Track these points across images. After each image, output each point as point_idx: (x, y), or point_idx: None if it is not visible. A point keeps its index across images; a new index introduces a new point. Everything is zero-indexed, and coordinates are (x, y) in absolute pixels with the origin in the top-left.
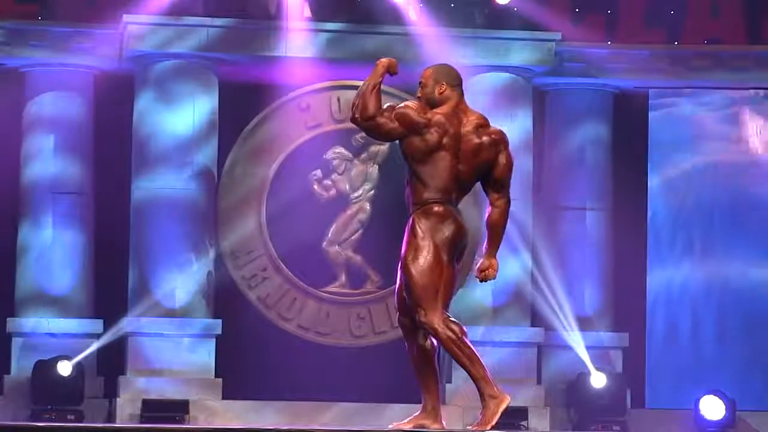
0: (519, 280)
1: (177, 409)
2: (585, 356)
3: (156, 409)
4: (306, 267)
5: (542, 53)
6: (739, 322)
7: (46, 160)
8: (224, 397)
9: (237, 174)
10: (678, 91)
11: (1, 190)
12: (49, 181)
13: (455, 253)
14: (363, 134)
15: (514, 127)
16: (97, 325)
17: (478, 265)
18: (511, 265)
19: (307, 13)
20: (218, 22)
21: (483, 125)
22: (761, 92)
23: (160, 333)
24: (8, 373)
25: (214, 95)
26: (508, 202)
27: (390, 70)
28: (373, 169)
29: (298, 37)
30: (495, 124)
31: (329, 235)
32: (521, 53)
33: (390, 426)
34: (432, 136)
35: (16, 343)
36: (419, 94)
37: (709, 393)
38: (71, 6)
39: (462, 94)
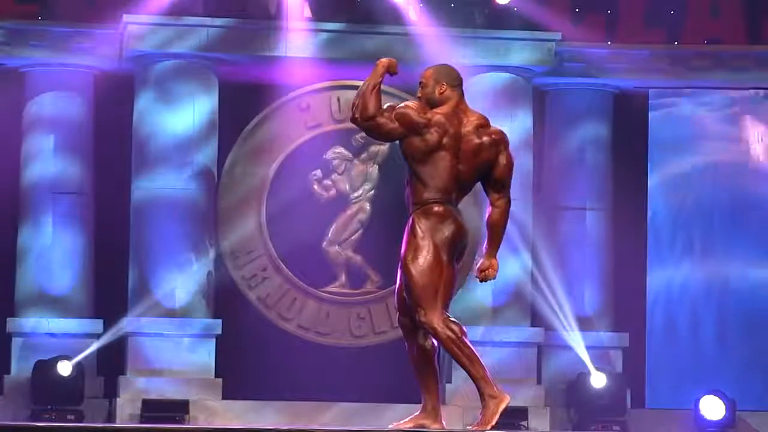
0: (519, 280)
1: (177, 409)
2: (585, 356)
3: (156, 409)
4: (306, 267)
5: (542, 53)
6: (739, 322)
7: (46, 160)
8: (224, 397)
9: (237, 174)
10: (678, 91)
11: (1, 190)
12: (49, 181)
13: (455, 253)
14: (363, 134)
15: (514, 127)
16: (97, 325)
17: (478, 265)
18: (511, 265)
19: (307, 13)
20: (218, 22)
21: (483, 125)
22: (761, 92)
23: (160, 333)
24: (8, 373)
25: (214, 95)
26: (509, 202)
27: (390, 70)
28: (373, 169)
29: (298, 37)
30: (495, 124)
31: (329, 235)
32: (521, 53)
33: (390, 426)
34: (432, 136)
35: (16, 343)
36: (419, 94)
37: (709, 393)
38: (71, 6)
39: (462, 95)
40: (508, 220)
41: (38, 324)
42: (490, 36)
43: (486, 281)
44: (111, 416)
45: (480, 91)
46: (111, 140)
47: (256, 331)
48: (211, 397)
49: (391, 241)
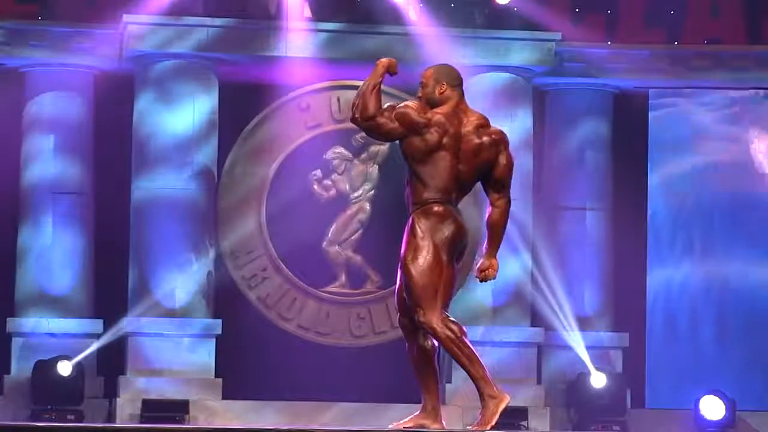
0: (519, 280)
1: (177, 409)
2: (585, 356)
3: (156, 409)
4: (306, 267)
5: (542, 53)
6: (739, 322)
7: (46, 160)
8: (224, 397)
9: (237, 174)
10: (678, 91)
11: (1, 190)
12: (49, 181)
13: (455, 253)
14: (363, 134)
15: (514, 127)
16: (97, 325)
17: (478, 265)
18: (511, 265)
19: (307, 13)
20: (218, 22)
21: (483, 125)
22: (761, 92)
23: (160, 333)
24: (8, 373)
25: (214, 95)
26: (509, 202)
27: (390, 70)
28: (373, 169)
29: (298, 37)
30: (495, 124)
31: (329, 235)
32: (521, 53)
33: (390, 426)
34: (432, 136)
35: (16, 343)
36: (420, 94)
37: (709, 393)
38: (71, 6)
39: (462, 94)
40: (508, 220)
41: (38, 324)
42: (490, 36)
43: (486, 281)
44: (111, 416)
45: (480, 91)
46: (111, 140)
47: (256, 331)
48: (211, 397)
49: (391, 241)
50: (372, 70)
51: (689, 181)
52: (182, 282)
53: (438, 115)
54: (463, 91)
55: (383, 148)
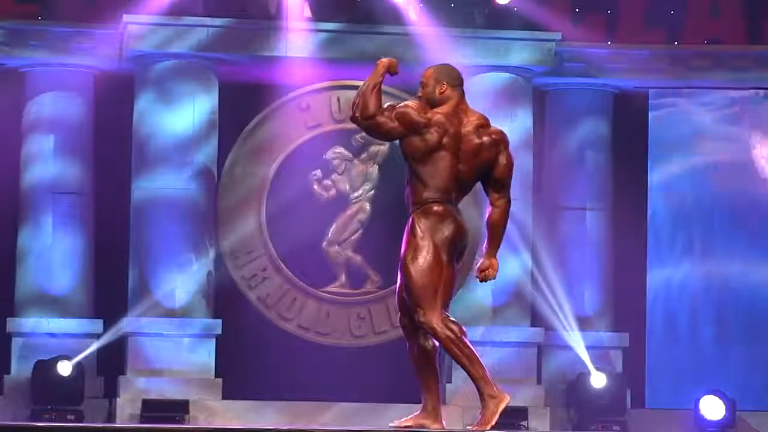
0: (519, 280)
1: (177, 409)
2: (585, 356)
3: (156, 409)
4: (306, 267)
5: (542, 53)
6: (739, 322)
7: (46, 160)
8: (224, 397)
9: (237, 174)
10: (678, 91)
11: (1, 190)
12: (49, 181)
13: (455, 253)
14: (363, 134)
15: (514, 127)
16: (97, 325)
17: (478, 265)
18: (511, 265)
19: (307, 13)
20: (218, 22)
21: (483, 125)
22: (761, 92)
23: (160, 333)
24: (8, 373)
25: (214, 95)
26: (509, 202)
27: (390, 70)
28: (373, 169)
29: (298, 37)
30: (495, 124)
31: (329, 235)
32: (521, 53)
33: (390, 424)
34: (432, 135)
35: (16, 343)
36: (420, 94)
37: (709, 393)
38: (71, 6)
39: (463, 94)
40: (508, 220)
41: (38, 324)
42: (490, 36)
43: (486, 281)
44: (111, 416)
45: (480, 91)
46: (111, 140)
47: (256, 331)
48: (211, 397)
49: (391, 241)
50: (372, 69)
51: (689, 181)
52: (182, 282)
53: (438, 114)
54: (463, 91)
55: (383, 148)
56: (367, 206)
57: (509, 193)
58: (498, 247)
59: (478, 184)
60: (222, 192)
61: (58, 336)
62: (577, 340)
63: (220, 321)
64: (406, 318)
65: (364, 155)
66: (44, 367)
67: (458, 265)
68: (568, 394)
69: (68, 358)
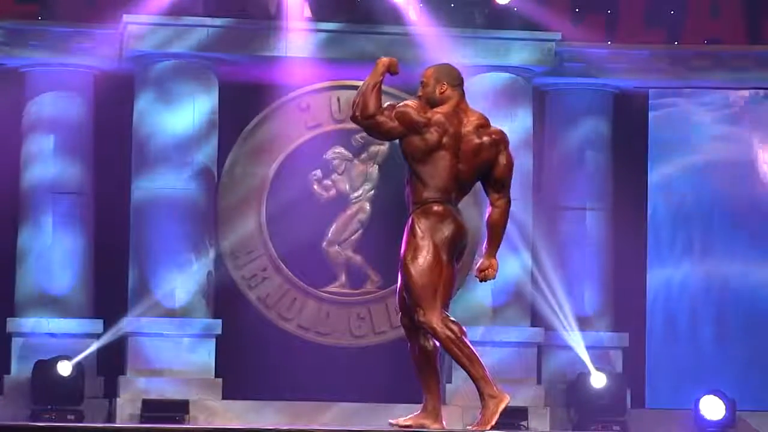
0: (519, 280)
1: (177, 409)
2: (585, 356)
3: (156, 409)
4: (306, 267)
5: (542, 53)
6: (739, 321)
7: (46, 161)
8: (224, 397)
9: (237, 174)
10: (678, 91)
11: (1, 190)
12: (49, 182)
13: (455, 253)
14: (363, 134)
15: (514, 127)
16: (97, 325)
17: (478, 265)
18: (511, 265)
19: (307, 13)
20: (218, 22)
21: (483, 125)
22: (761, 92)
23: (160, 333)
24: (8, 373)
25: (214, 95)
26: (509, 202)
27: (390, 70)
28: (373, 169)
29: (298, 37)
30: (495, 124)
31: (329, 235)
32: (521, 53)
33: (390, 421)
34: (432, 135)
35: (16, 343)
36: (420, 94)
37: (709, 393)
38: (71, 6)
39: (463, 94)
40: (508, 220)
41: (38, 324)
42: (490, 36)
43: (486, 281)
44: (111, 416)
45: (480, 91)
46: (111, 140)
47: (256, 331)
48: (211, 397)
49: (391, 241)
50: (372, 69)
51: (689, 181)
52: (182, 282)
53: (438, 114)
54: (463, 90)
55: (383, 148)
56: (367, 206)
57: (509, 193)
58: (498, 247)
59: (478, 184)
60: (222, 192)
61: (58, 336)
62: (577, 340)
63: (220, 321)
64: (407, 318)
65: (364, 155)
66: (44, 367)
67: (458, 265)
68: (568, 394)
69: (68, 358)
